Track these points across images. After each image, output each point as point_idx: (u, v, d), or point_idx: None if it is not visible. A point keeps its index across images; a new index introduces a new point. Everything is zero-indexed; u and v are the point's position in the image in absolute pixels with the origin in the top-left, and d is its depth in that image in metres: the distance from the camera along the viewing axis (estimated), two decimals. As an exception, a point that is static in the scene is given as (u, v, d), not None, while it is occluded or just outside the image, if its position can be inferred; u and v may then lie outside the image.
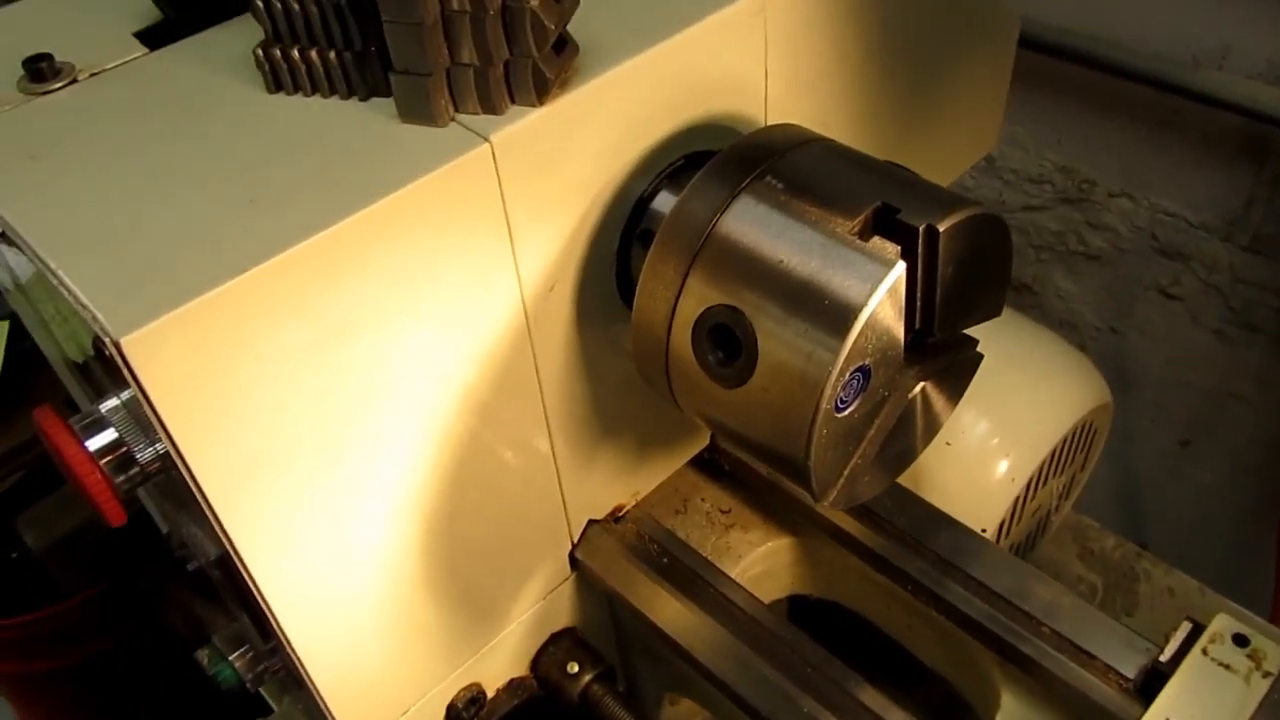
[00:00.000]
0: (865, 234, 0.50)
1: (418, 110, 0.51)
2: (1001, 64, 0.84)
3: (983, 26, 0.80)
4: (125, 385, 0.50)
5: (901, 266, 0.48)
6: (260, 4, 0.52)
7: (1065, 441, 0.82)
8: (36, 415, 0.50)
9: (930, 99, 0.79)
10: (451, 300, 0.53)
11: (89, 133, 0.54)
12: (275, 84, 0.54)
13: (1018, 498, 0.81)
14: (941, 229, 0.49)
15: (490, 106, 0.51)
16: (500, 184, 0.51)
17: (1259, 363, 1.12)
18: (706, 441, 0.79)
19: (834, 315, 0.48)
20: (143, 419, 0.50)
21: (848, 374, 0.49)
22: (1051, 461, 0.83)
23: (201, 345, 0.44)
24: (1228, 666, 0.60)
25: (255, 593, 0.53)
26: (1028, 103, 1.12)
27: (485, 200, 0.52)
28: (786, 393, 0.50)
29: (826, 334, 0.48)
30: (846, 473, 0.54)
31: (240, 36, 0.59)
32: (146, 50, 0.61)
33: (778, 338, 0.50)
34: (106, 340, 0.42)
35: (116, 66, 0.59)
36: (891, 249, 0.49)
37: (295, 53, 0.53)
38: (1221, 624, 0.61)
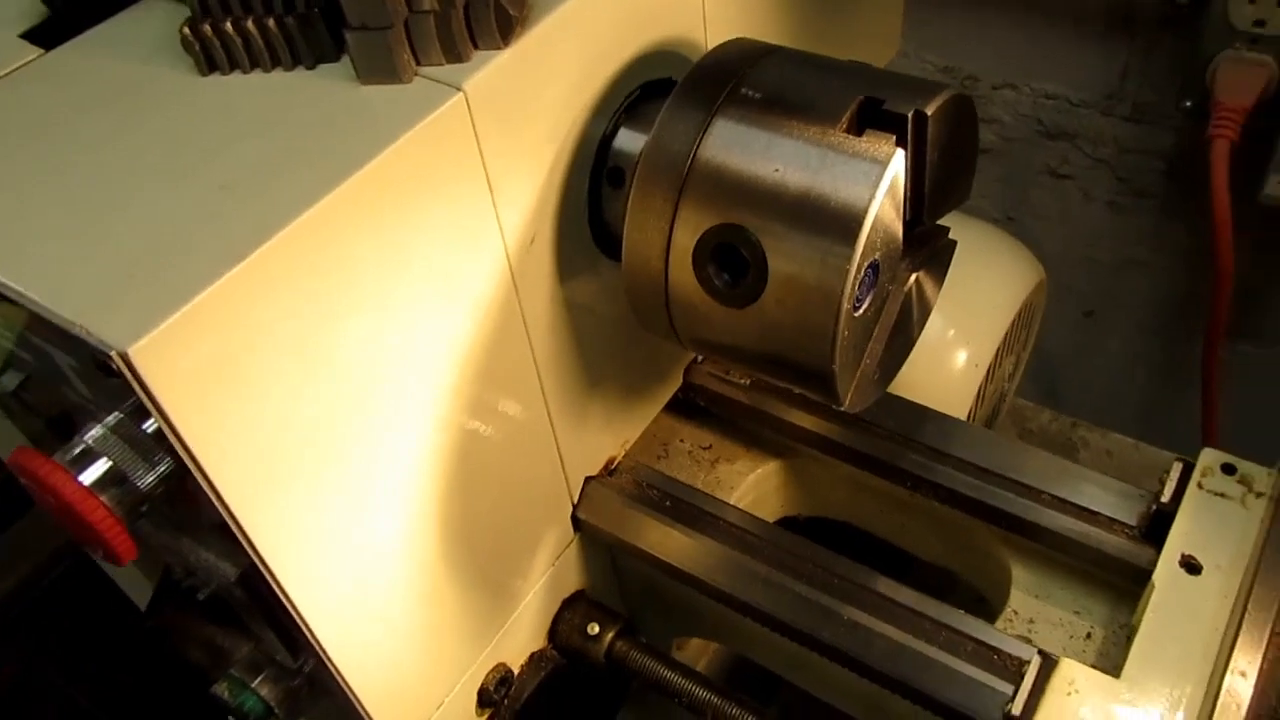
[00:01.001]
0: (855, 129, 0.50)
1: (379, 68, 0.48)
2: (895, -35, 0.86)
3: (876, -71, 0.81)
4: (112, 408, 0.46)
5: (901, 155, 0.48)
6: (183, -21, 0.48)
7: (1014, 324, 0.85)
8: (17, 458, 0.46)
9: (843, 5, 0.79)
10: (442, 264, 0.51)
11: (14, 143, 0.49)
12: (209, 64, 0.50)
13: (980, 384, 0.84)
14: (929, 112, 0.49)
15: (455, 54, 0.48)
16: (476, 134, 0.49)
17: (1152, 226, 1.18)
18: (680, 382, 0.79)
19: (844, 215, 0.48)
20: (139, 440, 0.46)
21: (862, 272, 0.49)
22: (1004, 344, 0.85)
23: (206, 346, 0.41)
24: (1223, 495, 0.63)
25: (286, 603, 0.50)
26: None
27: (464, 153, 0.49)
28: (803, 301, 0.50)
29: (838, 236, 0.48)
30: (861, 372, 0.55)
31: (148, 21, 0.55)
32: (42, 50, 0.55)
33: (786, 248, 0.50)
34: (112, 355, 0.38)
35: (15, 70, 0.54)
36: (887, 139, 0.49)
37: (229, 26, 0.49)
38: (1210, 458, 0.65)
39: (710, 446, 0.81)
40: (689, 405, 0.80)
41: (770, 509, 0.83)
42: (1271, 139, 0.93)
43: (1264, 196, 0.95)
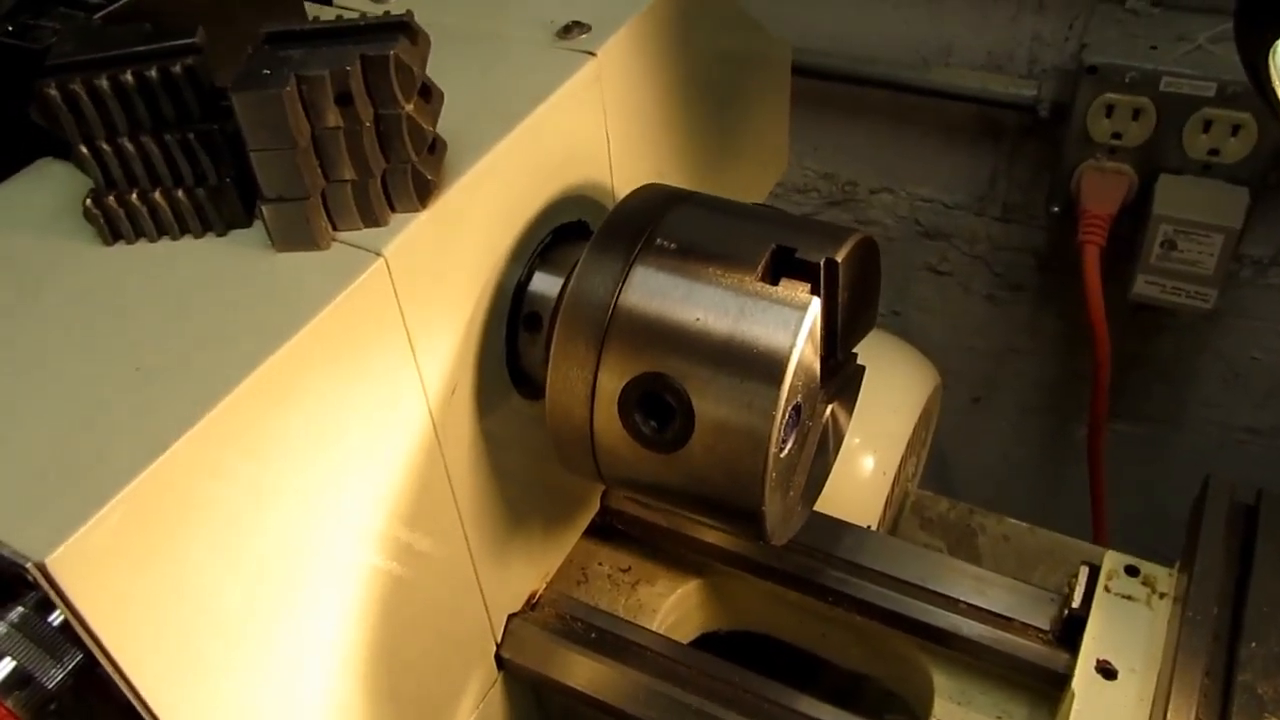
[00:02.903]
0: (770, 278, 0.52)
1: (296, 237, 0.47)
2: (781, 88, 0.89)
3: (763, 57, 0.85)
4: (13, 604, 0.44)
5: (817, 303, 0.50)
6: (87, 152, 0.46)
7: (916, 427, 0.88)
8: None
9: (734, 132, 0.82)
10: (365, 427, 0.50)
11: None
12: (114, 234, 0.49)
13: (889, 491, 0.86)
14: (839, 259, 0.51)
15: (373, 219, 0.48)
16: (398, 297, 0.49)
17: (1027, 316, 1.25)
18: (598, 507, 0.78)
19: (767, 361, 0.49)
20: (45, 636, 0.43)
21: (787, 415, 0.50)
22: (908, 448, 0.88)
23: (127, 545, 0.39)
24: (1130, 597, 0.66)
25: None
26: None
27: (385, 316, 0.49)
28: (731, 446, 0.51)
29: (763, 381, 0.49)
30: (786, 505, 0.56)
31: (43, 185, 0.53)
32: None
33: (712, 395, 0.50)
34: (28, 567, 0.36)
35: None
36: (803, 288, 0.50)
37: (135, 197, 0.48)
38: (1113, 561, 0.68)
39: (629, 569, 0.80)
40: (607, 528, 0.80)
41: (691, 627, 0.83)
42: (1135, 241, 1.00)
43: (1132, 295, 1.02)
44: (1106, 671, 0.62)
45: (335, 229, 0.48)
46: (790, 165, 1.27)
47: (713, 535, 0.76)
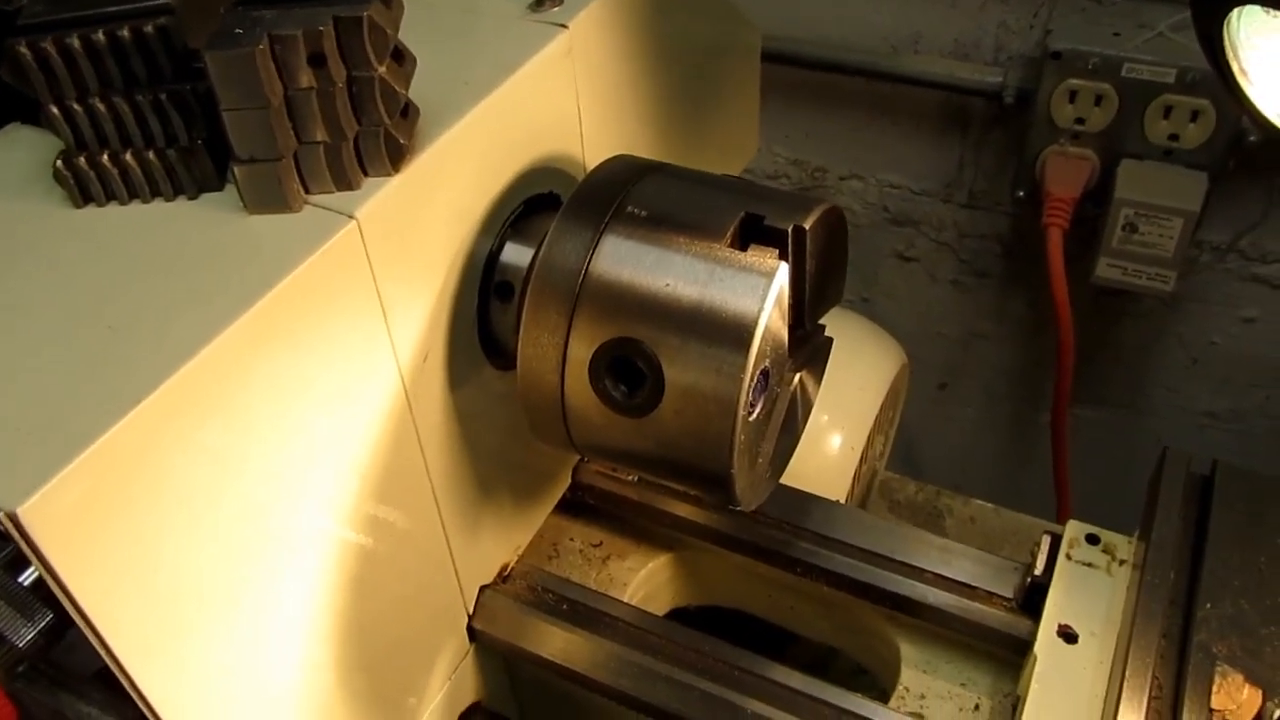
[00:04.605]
0: (739, 244, 0.52)
1: (268, 198, 0.47)
2: (751, 71, 0.90)
3: (733, 40, 0.86)
4: (-15, 565, 0.44)
5: (785, 269, 0.51)
6: (58, 111, 0.46)
7: (883, 406, 0.89)
8: (-122, 626, 0.42)
9: (705, 112, 0.83)
10: (337, 391, 0.50)
11: None
12: (84, 196, 0.49)
13: (856, 467, 0.87)
14: (807, 227, 0.52)
15: (345, 183, 0.49)
16: (370, 260, 0.49)
17: (993, 302, 1.26)
18: (569, 482, 0.79)
19: (735, 326, 0.50)
20: (16, 596, 0.43)
21: (755, 379, 0.51)
22: (875, 426, 0.89)
23: (98, 499, 0.39)
24: (1090, 565, 0.67)
25: (182, 756, 0.48)
26: (751, 106, 1.21)
27: (357, 280, 0.49)
28: (700, 410, 0.51)
29: (731, 346, 0.50)
30: (755, 472, 0.56)
31: (12, 150, 0.53)
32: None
33: (682, 359, 0.51)
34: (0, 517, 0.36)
35: None
36: (771, 254, 0.51)
37: (105, 159, 0.48)
38: (1075, 530, 0.69)
39: (600, 544, 0.81)
40: (578, 504, 0.81)
41: (662, 601, 0.84)
42: (1097, 224, 1.02)
43: (1095, 278, 1.04)
44: (1067, 635, 0.63)
45: (307, 191, 0.49)
46: (760, 151, 1.29)
47: (684, 509, 0.77)
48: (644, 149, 0.74)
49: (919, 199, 1.22)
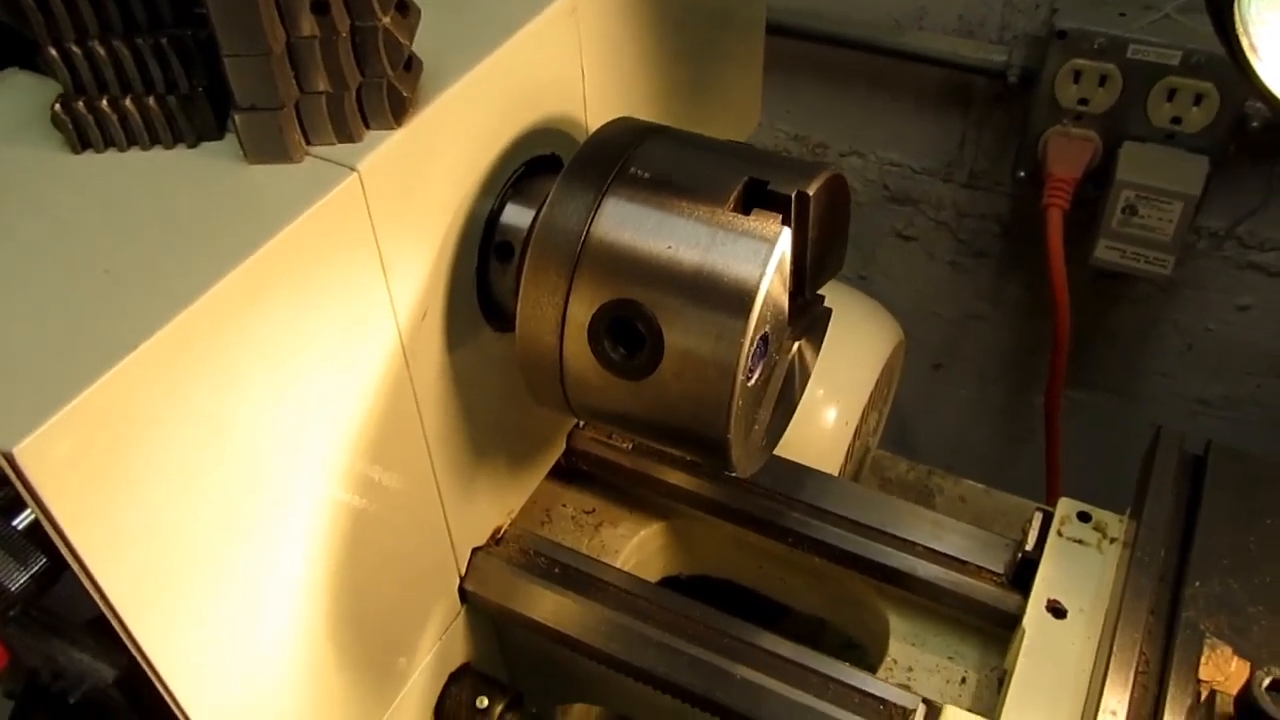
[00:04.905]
0: (742, 209, 0.52)
1: (268, 148, 0.47)
2: (755, 41, 0.90)
3: (737, 8, 0.85)
4: (-21, 508, 0.44)
5: (788, 234, 0.51)
6: (56, 54, 0.46)
7: (878, 382, 0.89)
8: None
9: (707, 80, 0.82)
10: (335, 345, 0.50)
11: None
12: (83, 142, 0.48)
13: (850, 441, 0.87)
14: (811, 193, 0.52)
15: (347, 134, 0.48)
16: (370, 214, 0.49)
17: (990, 283, 1.27)
18: (563, 448, 0.79)
19: (736, 291, 0.50)
20: (9, 540, 0.43)
21: (754, 344, 0.51)
22: (870, 402, 0.89)
23: (94, 442, 0.39)
24: (1081, 541, 0.68)
25: (172, 704, 0.48)
26: (753, 80, 1.20)
27: (357, 233, 0.49)
28: (699, 374, 0.51)
29: (732, 311, 0.50)
30: (751, 439, 0.56)
31: (9, 94, 0.52)
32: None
33: (681, 323, 0.51)
34: (-6, 454, 0.36)
35: None
36: (774, 219, 0.51)
37: (105, 104, 0.47)
38: (1066, 507, 0.69)
39: (593, 511, 0.81)
40: (571, 470, 0.81)
41: (654, 570, 0.84)
42: (1097, 207, 1.02)
43: (1094, 259, 1.04)
44: (1056, 610, 0.64)
45: (309, 143, 0.48)
46: (762, 126, 1.28)
47: (677, 477, 0.77)
48: (646, 114, 0.73)
49: (919, 177, 1.22)
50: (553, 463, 0.78)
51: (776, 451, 0.81)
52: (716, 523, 0.77)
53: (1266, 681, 0.47)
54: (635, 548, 0.80)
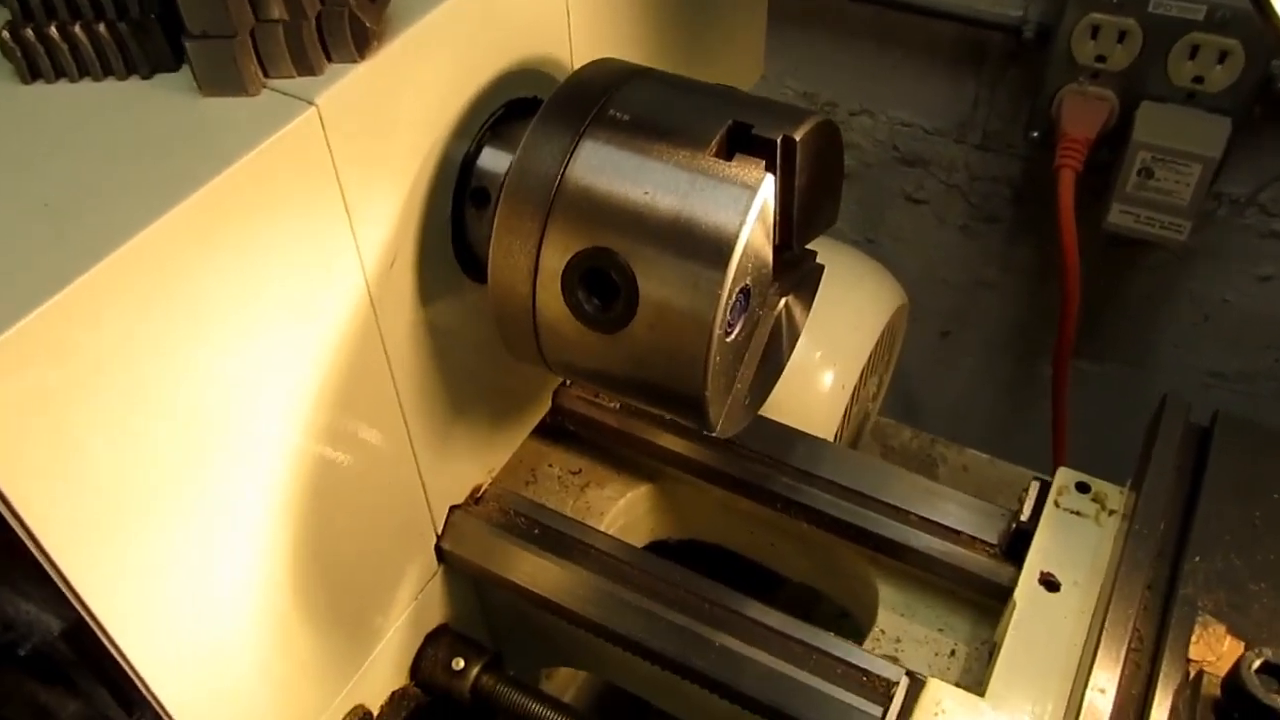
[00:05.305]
0: (724, 154, 0.49)
1: (222, 79, 0.45)
2: (759, -9, 0.86)
3: (740, -46, 0.82)
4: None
5: (770, 180, 0.48)
6: (1, -23, 0.44)
7: (877, 345, 0.87)
8: None
9: (706, 27, 0.79)
10: (295, 289, 0.48)
11: None
12: (32, 71, 0.46)
13: (846, 405, 0.85)
14: (798, 138, 0.49)
15: (306, 67, 0.46)
16: (331, 152, 0.47)
17: (1001, 249, 1.23)
18: (548, 406, 0.77)
19: (714, 239, 0.47)
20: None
21: (733, 297, 0.49)
22: (869, 366, 0.87)
23: (26, 380, 0.37)
24: (1079, 513, 0.65)
25: (119, 659, 0.46)
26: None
27: (317, 172, 0.46)
28: (675, 327, 0.49)
29: (709, 261, 0.47)
30: (732, 398, 0.54)
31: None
32: None
33: (657, 272, 0.49)
34: (-88, 392, 0.34)
35: None
36: (756, 164, 0.48)
37: (54, 31, 0.45)
38: (1065, 477, 0.67)
39: (580, 471, 0.79)
40: (558, 429, 0.79)
41: (641, 533, 0.82)
42: (1112, 171, 0.98)
43: (1107, 224, 1.00)
44: (1049, 583, 0.61)
45: (266, 75, 0.46)
46: (769, 82, 1.25)
47: (664, 439, 0.75)
48: (637, 59, 0.70)
49: (930, 138, 1.19)
50: (537, 421, 0.76)
51: (769, 414, 0.79)
52: (705, 486, 0.75)
53: (1257, 663, 0.45)
54: (622, 510, 0.78)
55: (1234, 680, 0.45)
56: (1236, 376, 1.24)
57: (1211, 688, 0.47)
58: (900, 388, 1.41)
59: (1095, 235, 1.05)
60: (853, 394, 0.85)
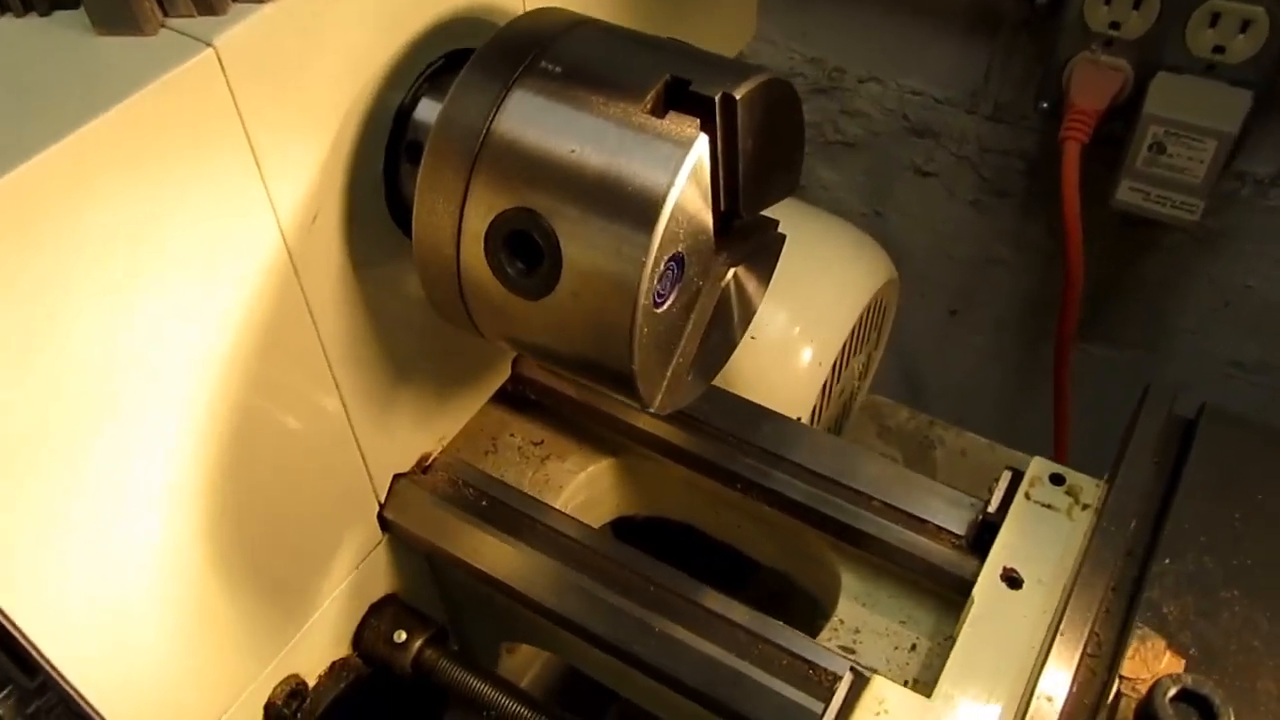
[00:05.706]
0: (659, 110, 0.46)
1: (116, 16, 0.42)
2: (750, -55, 0.82)
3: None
4: None
5: (704, 139, 0.45)
6: (-117, -100, 0.41)
7: (861, 321, 0.83)
8: None
9: (688, -16, 0.75)
10: (199, 243, 0.45)
11: None
12: (-78, 5, 0.44)
13: (825, 383, 0.81)
14: (738, 96, 0.45)
15: (208, 6, 0.43)
16: (234, 98, 0.44)
17: (1012, 225, 1.18)
18: (508, 374, 0.74)
19: (640, 201, 0.44)
20: None
21: (662, 264, 0.45)
22: (851, 342, 0.83)
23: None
24: (1050, 506, 0.61)
25: (6, 621, 0.44)
26: (768, -3, 1.12)
27: (218, 118, 0.44)
28: (599, 294, 0.46)
29: (634, 224, 0.44)
30: (670, 374, 0.51)
31: None
32: None
33: (581, 236, 0.45)
34: None
35: None
36: (690, 122, 0.45)
37: (-57, -38, 0.42)
38: (1038, 468, 0.63)
39: (542, 442, 0.77)
40: (520, 398, 0.76)
41: (605, 509, 0.79)
42: (1124, 147, 0.93)
43: (1114, 201, 0.95)
44: (1012, 580, 0.58)
45: (165, 14, 0.43)
46: (776, 47, 1.20)
47: (626, 413, 0.72)
48: (611, 15, 0.67)
49: (941, 108, 1.13)
50: (494, 390, 0.73)
51: (740, 390, 0.76)
52: (667, 463, 0.72)
53: (1173, 691, 0.41)
54: (583, 484, 0.75)
55: (1148, 708, 0.41)
56: (1257, 367, 1.18)
57: (1128, 712, 0.43)
58: (904, 366, 1.36)
59: (1107, 213, 1.00)
60: (832, 371, 0.81)
